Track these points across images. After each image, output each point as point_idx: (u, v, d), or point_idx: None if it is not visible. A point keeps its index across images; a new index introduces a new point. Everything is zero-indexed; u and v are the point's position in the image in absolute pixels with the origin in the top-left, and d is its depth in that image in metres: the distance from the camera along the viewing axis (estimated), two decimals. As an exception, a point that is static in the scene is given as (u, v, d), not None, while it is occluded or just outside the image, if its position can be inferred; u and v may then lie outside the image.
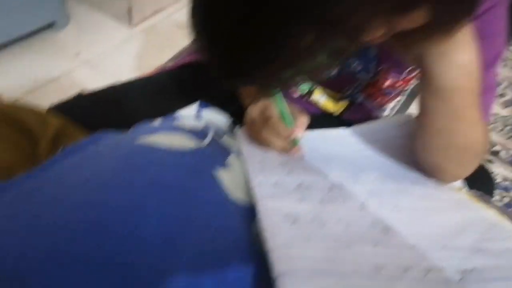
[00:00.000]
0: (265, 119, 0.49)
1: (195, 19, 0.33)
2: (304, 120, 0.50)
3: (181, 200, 0.36)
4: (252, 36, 0.29)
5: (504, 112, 1.12)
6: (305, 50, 0.29)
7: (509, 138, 1.03)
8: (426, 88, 0.44)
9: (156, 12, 1.37)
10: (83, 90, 0.59)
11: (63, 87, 1.11)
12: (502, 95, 1.18)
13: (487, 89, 0.51)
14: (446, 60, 0.40)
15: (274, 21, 0.27)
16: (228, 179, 0.44)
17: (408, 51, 0.43)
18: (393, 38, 0.39)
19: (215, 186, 0.41)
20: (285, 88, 0.57)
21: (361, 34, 0.29)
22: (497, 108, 1.12)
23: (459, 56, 0.40)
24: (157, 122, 0.53)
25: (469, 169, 0.51)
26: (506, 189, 0.87)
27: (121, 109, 0.57)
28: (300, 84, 0.61)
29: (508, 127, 1.06)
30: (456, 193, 0.51)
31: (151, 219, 0.32)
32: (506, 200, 0.86)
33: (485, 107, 0.50)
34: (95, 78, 1.14)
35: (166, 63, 0.98)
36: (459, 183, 0.55)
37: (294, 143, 0.49)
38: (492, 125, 1.06)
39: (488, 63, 0.49)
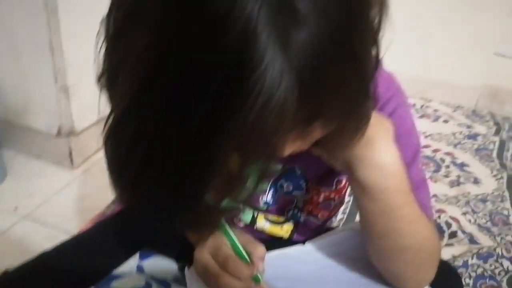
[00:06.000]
0: (222, 263, 0.45)
1: (114, 165, 0.33)
2: (261, 250, 0.46)
3: None
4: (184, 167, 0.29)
5: (453, 191, 1.15)
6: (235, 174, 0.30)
7: (462, 214, 1.05)
8: (356, 191, 0.44)
9: (98, 149, 1.37)
10: (8, 267, 0.53)
11: (1, 247, 1.02)
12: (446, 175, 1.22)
13: (418, 186, 0.51)
14: (367, 163, 0.41)
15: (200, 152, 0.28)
16: None
17: (333, 158, 0.44)
18: (314, 146, 0.40)
19: None
20: (226, 218, 0.55)
21: (279, 151, 0.30)
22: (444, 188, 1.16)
23: (378, 159, 0.41)
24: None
25: (430, 273, 0.49)
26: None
27: (53, 281, 0.52)
28: (239, 213, 0.59)
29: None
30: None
31: None
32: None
33: (423, 203, 0.50)
34: (37, 232, 1.07)
35: (108, 206, 0.95)
36: (426, 289, 0.52)
37: (256, 280, 0.45)
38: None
39: (409, 161, 0.49)
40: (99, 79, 0.34)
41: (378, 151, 0.41)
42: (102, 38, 0.33)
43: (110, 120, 0.32)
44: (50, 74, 1.17)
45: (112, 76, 0.33)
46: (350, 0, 0.28)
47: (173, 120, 0.28)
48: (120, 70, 0.31)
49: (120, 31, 0.31)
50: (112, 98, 0.35)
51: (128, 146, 0.31)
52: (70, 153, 1.29)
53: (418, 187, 0.50)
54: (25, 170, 1.29)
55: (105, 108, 0.34)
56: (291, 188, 0.57)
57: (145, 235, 0.58)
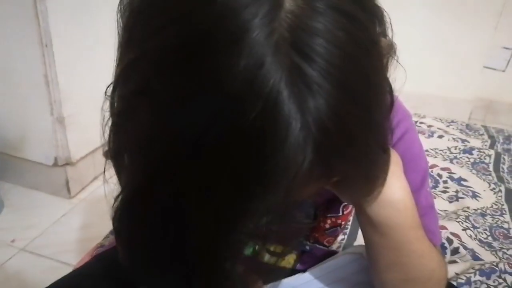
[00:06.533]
0: None
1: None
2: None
3: None
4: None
5: (452, 207, 1.15)
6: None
7: (463, 229, 1.04)
8: (364, 224, 0.43)
9: (95, 178, 1.37)
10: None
11: (-2, 282, 1.01)
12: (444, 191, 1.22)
13: (426, 211, 0.51)
14: (377, 199, 0.40)
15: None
16: None
17: (341, 194, 0.43)
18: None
19: None
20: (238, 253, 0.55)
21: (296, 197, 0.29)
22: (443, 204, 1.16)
23: (389, 195, 0.40)
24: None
25: None
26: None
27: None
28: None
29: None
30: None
31: None
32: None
33: (431, 229, 0.50)
34: (34, 265, 1.05)
35: (106, 237, 0.94)
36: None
37: None
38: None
39: (417, 186, 0.49)
40: (105, 153, 0.33)
41: (389, 187, 0.39)
42: (106, 111, 0.32)
43: (120, 198, 0.31)
44: (46, 106, 1.17)
45: (118, 155, 0.32)
46: (364, 65, 0.27)
47: (189, 203, 0.27)
48: (126, 151, 0.31)
49: (125, 111, 0.30)
50: (120, 175, 0.34)
51: (141, 226, 0.30)
52: (67, 183, 1.29)
53: (426, 213, 0.49)
54: (22, 201, 1.28)
55: (100, 139, 0.33)
56: (299, 217, 0.56)
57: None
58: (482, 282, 0.83)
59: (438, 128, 1.66)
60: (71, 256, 1.08)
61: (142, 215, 0.30)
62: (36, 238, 1.15)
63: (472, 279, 0.83)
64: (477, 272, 0.85)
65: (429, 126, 1.69)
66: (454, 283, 0.80)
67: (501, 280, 0.84)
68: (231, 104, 0.24)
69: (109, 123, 0.33)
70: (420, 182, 0.50)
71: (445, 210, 1.12)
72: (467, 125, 1.74)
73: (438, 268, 0.46)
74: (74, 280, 0.57)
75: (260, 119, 0.24)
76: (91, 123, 1.33)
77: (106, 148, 0.33)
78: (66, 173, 1.28)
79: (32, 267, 1.05)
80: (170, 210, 0.28)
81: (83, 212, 1.26)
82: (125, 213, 0.31)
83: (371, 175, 0.33)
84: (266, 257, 0.59)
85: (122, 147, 0.32)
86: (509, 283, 0.84)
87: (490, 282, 0.84)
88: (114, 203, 0.31)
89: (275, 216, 0.28)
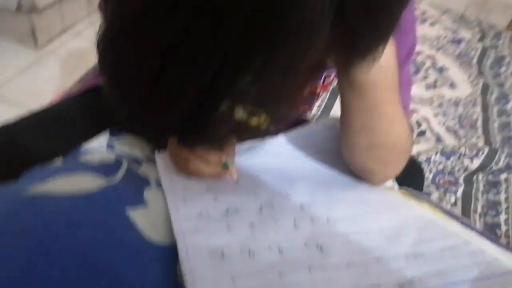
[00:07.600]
0: (193, 148, 0.45)
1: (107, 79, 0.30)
2: (233, 141, 0.46)
3: (79, 262, 0.31)
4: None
5: (428, 93, 1.16)
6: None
7: (434, 115, 1.07)
8: (343, 84, 0.43)
9: (64, 30, 1.27)
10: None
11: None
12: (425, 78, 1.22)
13: (403, 86, 0.50)
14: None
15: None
16: (144, 218, 0.39)
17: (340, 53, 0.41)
18: None
19: (127, 230, 0.37)
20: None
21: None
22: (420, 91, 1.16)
23: None
24: (59, 161, 0.47)
25: (398, 169, 0.50)
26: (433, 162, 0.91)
27: (16, 152, 0.50)
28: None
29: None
30: (388, 193, 0.51)
31: None
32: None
33: (403, 104, 0.50)
34: (2, 110, 1.03)
35: (73, 86, 0.91)
36: (389, 182, 0.54)
37: (225, 167, 0.46)
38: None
39: (401, 61, 0.49)
40: None
41: None
42: None
43: (108, 27, 0.27)
44: None
45: None
46: None
47: (194, 41, 0.24)
48: None
49: None
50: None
51: (138, 58, 0.27)
52: (33, 32, 1.19)
53: (403, 87, 0.48)
54: (-16, 46, 1.20)
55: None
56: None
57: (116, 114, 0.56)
58: (441, 162, 0.88)
59: (432, 16, 1.59)
60: (39, 105, 1.06)
61: (139, 48, 0.27)
62: (2, 85, 1.10)
63: (433, 158, 0.88)
64: (439, 153, 0.89)
65: (423, 12, 1.61)
66: (416, 160, 0.84)
67: (458, 162, 0.89)
68: None
69: None
70: (404, 57, 0.49)
71: (421, 95, 1.13)
72: (461, 16, 1.67)
73: (405, 137, 0.47)
74: (39, 117, 0.55)
75: None
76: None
77: None
78: (32, 21, 1.18)
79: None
80: (165, 46, 0.25)
81: (51, 64, 1.20)
82: (113, 43, 0.28)
83: (383, 37, 0.31)
84: (241, 115, 0.59)
85: None
86: (465, 166, 0.89)
87: (449, 163, 0.89)
88: (99, 31, 0.28)
89: (277, 77, 0.27)
